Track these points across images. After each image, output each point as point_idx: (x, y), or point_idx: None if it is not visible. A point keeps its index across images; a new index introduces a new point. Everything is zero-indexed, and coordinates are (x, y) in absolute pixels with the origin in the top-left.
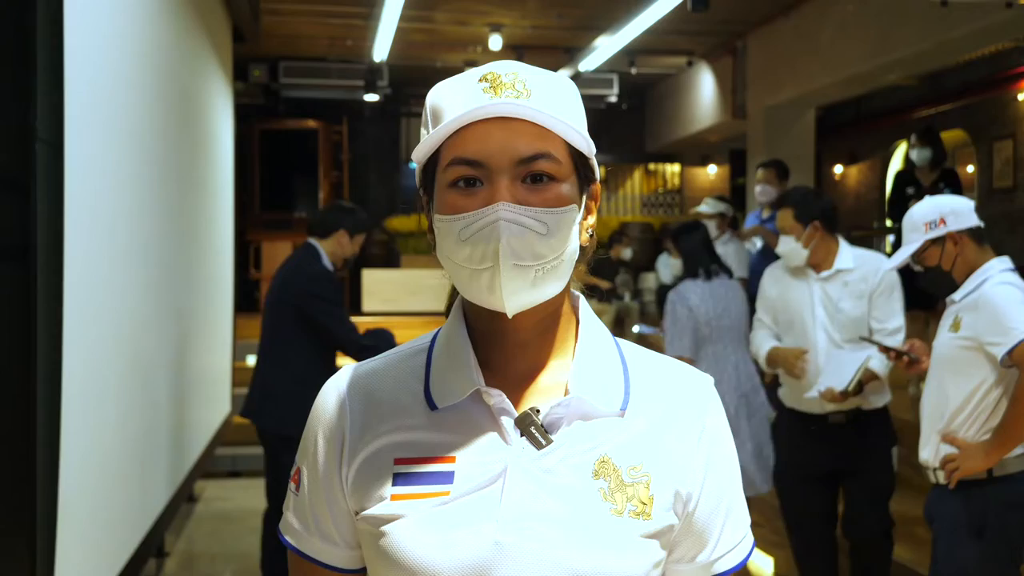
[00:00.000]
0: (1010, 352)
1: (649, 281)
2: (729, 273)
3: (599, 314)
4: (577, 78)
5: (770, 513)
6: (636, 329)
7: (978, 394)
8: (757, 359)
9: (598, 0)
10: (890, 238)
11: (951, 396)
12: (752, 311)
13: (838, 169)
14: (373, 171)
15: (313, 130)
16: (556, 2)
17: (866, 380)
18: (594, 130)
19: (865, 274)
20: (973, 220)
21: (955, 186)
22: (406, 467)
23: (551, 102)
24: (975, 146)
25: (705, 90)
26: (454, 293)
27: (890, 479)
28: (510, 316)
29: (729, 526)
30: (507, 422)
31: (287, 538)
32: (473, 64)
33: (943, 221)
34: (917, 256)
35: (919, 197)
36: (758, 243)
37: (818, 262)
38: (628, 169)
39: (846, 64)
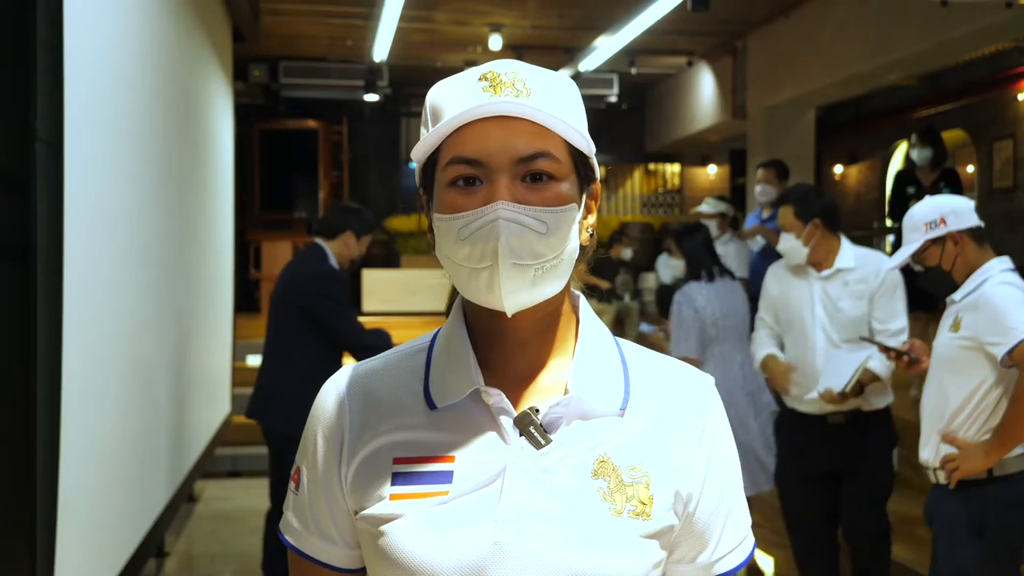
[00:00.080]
0: (1010, 352)
1: (649, 281)
2: (731, 274)
3: (599, 314)
4: (577, 78)
5: (770, 513)
6: (641, 328)
7: (978, 394)
8: (753, 360)
9: (598, 0)
10: (890, 238)
11: (951, 396)
12: (754, 311)
13: (838, 169)
14: (373, 171)
15: (313, 130)
16: (556, 2)
17: (866, 381)
18: (594, 130)
19: (865, 274)
20: (973, 220)
21: (955, 186)
22: (405, 467)
23: (551, 101)
24: (975, 146)
25: (705, 90)
26: (454, 293)
27: (889, 481)
28: (509, 315)
29: (730, 527)
30: (506, 422)
31: (287, 537)
32: (473, 64)
33: (943, 221)
34: (917, 256)
35: (919, 197)
36: (760, 243)
37: (819, 260)
38: (628, 169)
39: (846, 64)
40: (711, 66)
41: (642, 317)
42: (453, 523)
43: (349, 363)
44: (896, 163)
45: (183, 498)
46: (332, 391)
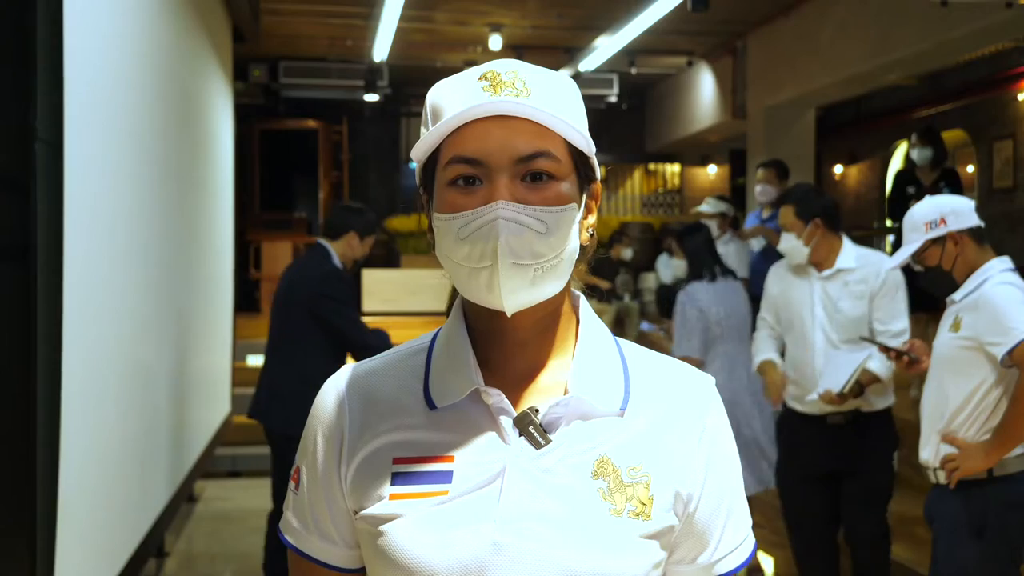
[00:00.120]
0: (1010, 352)
1: (649, 281)
2: (733, 274)
3: (599, 314)
4: (577, 78)
5: (770, 513)
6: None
7: (978, 394)
8: (752, 362)
9: (598, 0)
10: (890, 238)
11: (951, 396)
12: (754, 311)
13: (838, 169)
14: (373, 171)
15: (313, 130)
16: (556, 2)
17: (866, 382)
18: (594, 130)
19: (866, 275)
20: (974, 220)
21: (955, 185)
22: (405, 466)
23: (551, 100)
24: (975, 146)
25: (705, 90)
26: (455, 293)
27: (889, 483)
28: (509, 315)
29: (730, 527)
30: (506, 422)
31: (286, 537)
32: (473, 64)
33: (943, 221)
34: (917, 256)
35: (920, 196)
36: (761, 243)
37: (820, 260)
38: (628, 169)
39: (846, 64)
40: (711, 66)
41: (642, 317)
42: (452, 523)
43: (350, 363)
44: (896, 163)
45: (183, 498)
46: (332, 391)
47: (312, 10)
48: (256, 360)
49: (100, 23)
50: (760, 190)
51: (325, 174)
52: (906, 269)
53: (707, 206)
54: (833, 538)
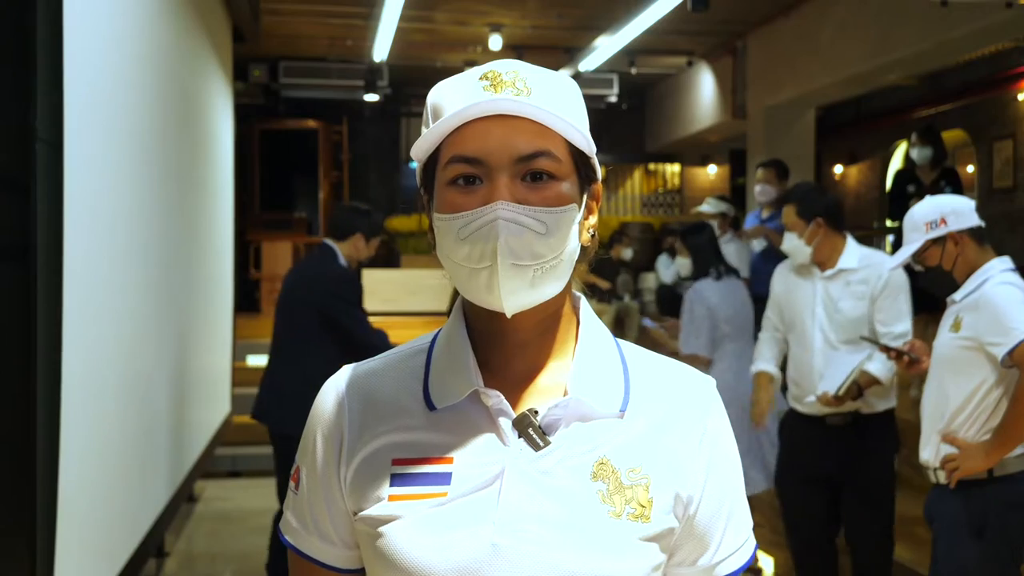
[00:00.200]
0: (1010, 352)
1: (649, 281)
2: (736, 273)
3: (599, 314)
4: (577, 78)
5: (770, 513)
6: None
7: (978, 394)
8: (752, 366)
9: (598, 0)
10: (890, 238)
11: (951, 396)
12: (756, 311)
13: (838, 169)
14: (373, 171)
15: (313, 130)
16: (556, 2)
17: (865, 384)
18: (594, 130)
19: (867, 275)
20: (974, 220)
21: (956, 185)
22: (404, 468)
23: (552, 100)
24: (975, 146)
25: (705, 90)
26: (456, 293)
27: (890, 485)
28: (509, 316)
29: (731, 529)
30: (505, 423)
31: (286, 537)
32: (473, 64)
33: (944, 221)
34: (918, 256)
35: (920, 195)
36: (761, 244)
37: (823, 260)
38: (628, 169)
39: (846, 64)
40: (711, 66)
41: (643, 316)
42: (451, 525)
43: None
44: (896, 163)
45: (183, 498)
46: (332, 391)
47: (312, 10)
48: (256, 360)
49: (100, 23)
50: (760, 190)
51: (325, 174)
52: (907, 269)
53: (707, 206)
54: (832, 540)
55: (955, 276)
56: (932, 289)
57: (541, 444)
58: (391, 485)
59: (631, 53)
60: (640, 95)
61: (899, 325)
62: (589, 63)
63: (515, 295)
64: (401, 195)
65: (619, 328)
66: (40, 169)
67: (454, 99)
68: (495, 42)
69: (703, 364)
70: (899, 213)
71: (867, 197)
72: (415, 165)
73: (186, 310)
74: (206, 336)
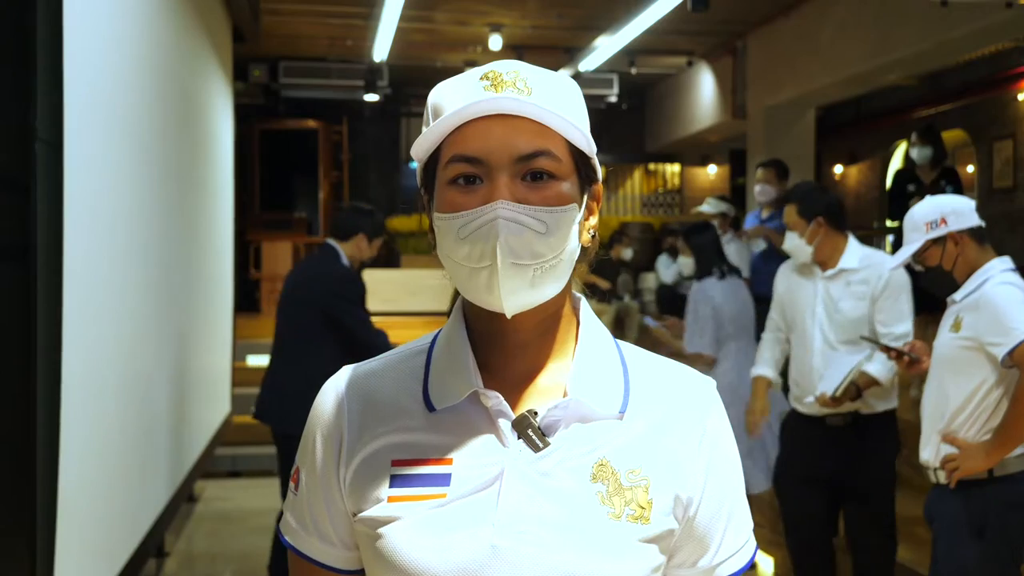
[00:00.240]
0: (1011, 352)
1: (649, 281)
2: (738, 272)
3: (599, 314)
4: (577, 78)
5: (770, 513)
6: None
7: (979, 394)
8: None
9: (598, 0)
10: (890, 238)
11: (951, 396)
12: (756, 311)
13: (838, 169)
14: (373, 171)
15: (313, 130)
16: (556, 2)
17: (864, 385)
18: (594, 130)
19: (868, 276)
20: (974, 220)
21: (956, 185)
22: (403, 469)
23: (552, 100)
24: (975, 146)
25: (705, 90)
26: (456, 293)
27: (890, 486)
28: (508, 316)
29: (731, 531)
30: (504, 424)
31: (286, 537)
32: (473, 64)
33: (944, 221)
34: (918, 256)
35: (920, 195)
36: (762, 244)
37: (824, 259)
38: (628, 169)
39: (846, 64)
40: (711, 66)
41: (643, 316)
42: (450, 526)
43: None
44: (896, 163)
45: (183, 498)
46: (331, 392)
47: (312, 10)
48: (256, 360)
49: (100, 23)
50: (760, 190)
51: (325, 174)
52: (908, 269)
53: (708, 206)
54: (830, 540)
55: (955, 276)
56: (932, 289)
57: (541, 445)
58: (390, 486)
59: (631, 53)
60: (640, 95)
61: (900, 326)
62: (589, 63)
63: (515, 295)
64: (401, 195)
65: (619, 328)
66: (40, 169)
67: (454, 99)
68: (495, 42)
69: (707, 363)
70: (899, 213)
71: (867, 197)
72: (415, 165)
73: (186, 310)
74: (206, 336)
